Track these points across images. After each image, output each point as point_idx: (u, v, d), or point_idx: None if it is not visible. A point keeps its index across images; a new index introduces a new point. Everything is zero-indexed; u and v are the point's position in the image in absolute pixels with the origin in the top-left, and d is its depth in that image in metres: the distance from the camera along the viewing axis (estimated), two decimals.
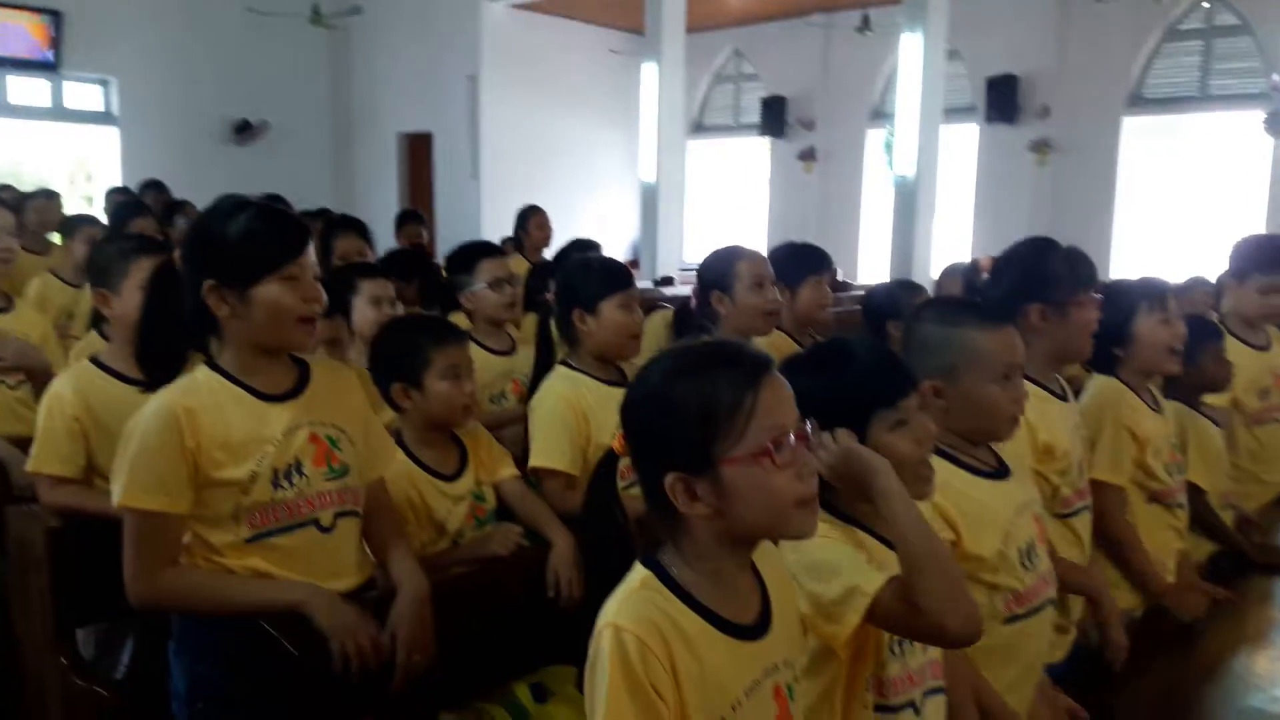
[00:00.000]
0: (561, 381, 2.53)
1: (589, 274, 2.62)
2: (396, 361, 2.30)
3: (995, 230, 11.45)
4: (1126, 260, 10.84)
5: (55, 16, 11.04)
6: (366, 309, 3.00)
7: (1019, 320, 2.19)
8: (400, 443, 2.32)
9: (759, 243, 13.87)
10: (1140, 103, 10.95)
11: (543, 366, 2.83)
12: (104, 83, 11.96)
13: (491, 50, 12.31)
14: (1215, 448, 2.87)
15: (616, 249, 13.58)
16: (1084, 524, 2.22)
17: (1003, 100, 11.37)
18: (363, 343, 2.92)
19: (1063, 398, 2.27)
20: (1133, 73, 10.87)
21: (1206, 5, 10.29)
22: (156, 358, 1.94)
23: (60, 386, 2.37)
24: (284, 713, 1.75)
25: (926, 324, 1.89)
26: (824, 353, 1.64)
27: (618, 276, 2.60)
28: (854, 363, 1.57)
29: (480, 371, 2.99)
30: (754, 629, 1.26)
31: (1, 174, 14.97)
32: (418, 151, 13.37)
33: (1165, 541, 2.51)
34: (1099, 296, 2.22)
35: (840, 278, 11.85)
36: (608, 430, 2.39)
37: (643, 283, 9.34)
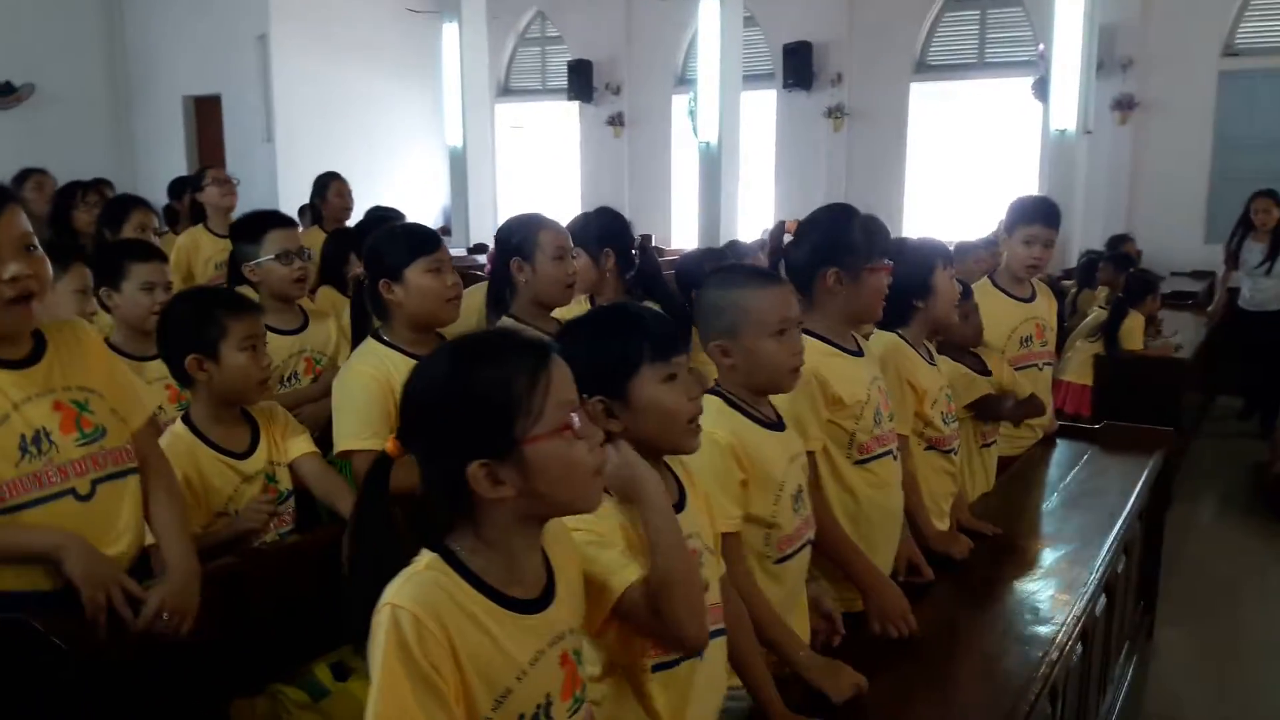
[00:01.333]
0: (367, 358, 2.42)
1: (393, 241, 2.55)
2: (191, 332, 2.20)
3: (796, 195, 11.87)
4: (917, 220, 11.46)
5: None
6: (139, 295, 2.77)
7: (815, 283, 2.30)
8: (186, 419, 2.22)
9: (572, 207, 13.89)
10: (925, 69, 11.54)
11: (359, 334, 2.72)
12: None
13: (281, 8, 11.74)
14: (975, 389, 3.10)
15: (426, 215, 13.28)
16: (885, 467, 2.34)
17: (799, 67, 11.72)
18: (127, 327, 2.75)
19: (857, 354, 2.38)
20: (918, 41, 11.44)
21: None
22: None
23: None
24: (59, 711, 1.64)
25: (710, 289, 1.99)
26: (598, 315, 1.73)
27: (423, 240, 2.52)
28: (625, 321, 1.62)
29: (269, 353, 2.89)
30: (538, 602, 1.29)
31: None
32: (206, 115, 12.65)
33: (941, 485, 2.71)
34: (889, 263, 2.33)
35: (653, 243, 12.05)
36: None
37: (456, 250, 9.19)
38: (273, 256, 3.01)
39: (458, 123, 10.26)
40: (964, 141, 11.51)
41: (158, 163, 12.45)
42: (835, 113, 11.76)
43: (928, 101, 11.57)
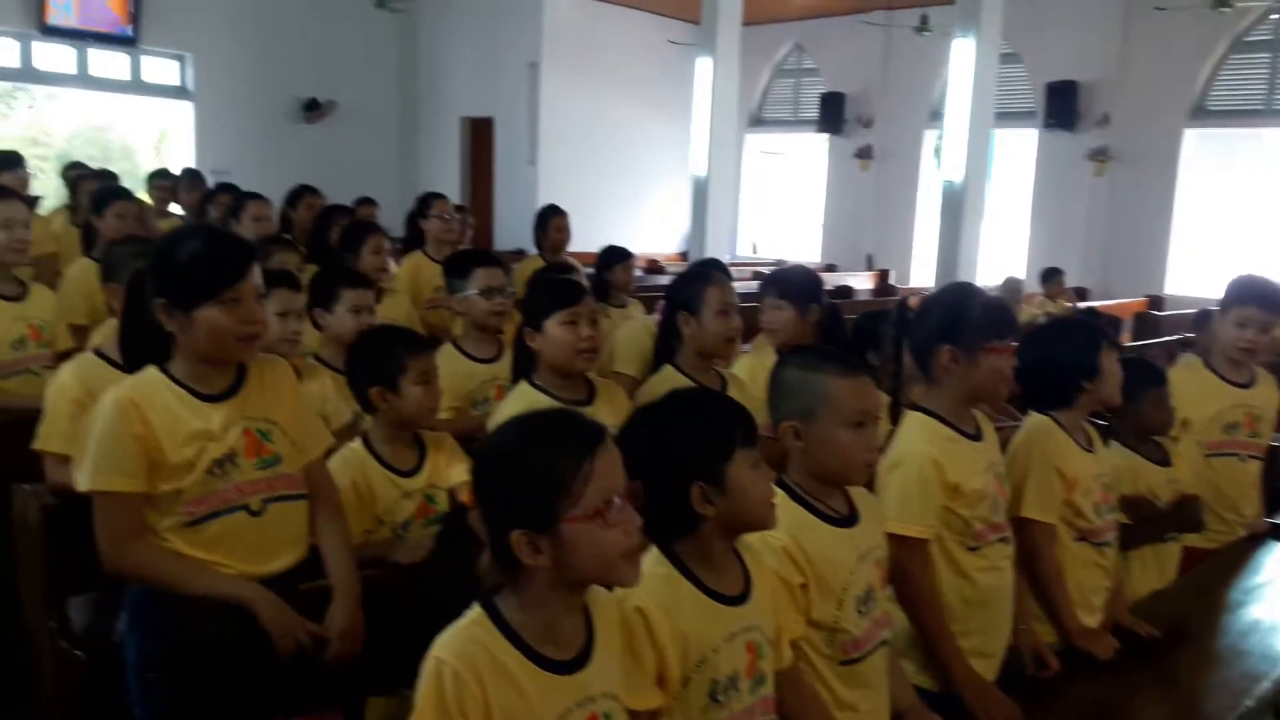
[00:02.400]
0: (516, 401, 2.66)
1: (538, 291, 2.79)
2: (375, 367, 2.50)
3: (1052, 238, 11.37)
4: (1181, 274, 10.67)
5: None
6: (347, 317, 3.17)
7: (932, 360, 2.30)
8: (364, 438, 2.53)
9: (814, 237, 13.91)
10: (1203, 114, 10.73)
11: (520, 374, 2.96)
12: (180, 58, 12.42)
13: (553, 37, 12.51)
14: (1139, 482, 2.93)
15: (670, 240, 13.73)
16: (997, 551, 2.31)
17: (1062, 107, 11.23)
18: (335, 344, 3.13)
19: (975, 438, 2.35)
20: (1196, 84, 10.66)
21: (1277, 16, 10.03)
22: (136, 352, 2.16)
23: (64, 374, 2.61)
24: (222, 694, 1.95)
25: (790, 368, 1.98)
26: (685, 399, 1.77)
27: (563, 293, 2.74)
28: (719, 408, 1.72)
29: (463, 378, 3.20)
30: (571, 664, 1.41)
31: (85, 140, 15.64)
32: (479, 135, 13.63)
33: (1091, 579, 2.57)
34: (1012, 345, 2.31)
35: (891, 280, 11.88)
36: None
37: None
38: (477, 291, 3.33)
39: (703, 152, 10.53)
40: (1242, 193, 10.60)
41: (435, 178, 13.52)
42: (1099, 155, 11.17)
43: (1203, 147, 10.74)
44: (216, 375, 2.09)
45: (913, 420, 2.29)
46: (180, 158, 12.69)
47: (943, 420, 2.25)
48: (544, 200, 12.11)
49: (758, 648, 1.67)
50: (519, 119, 12.91)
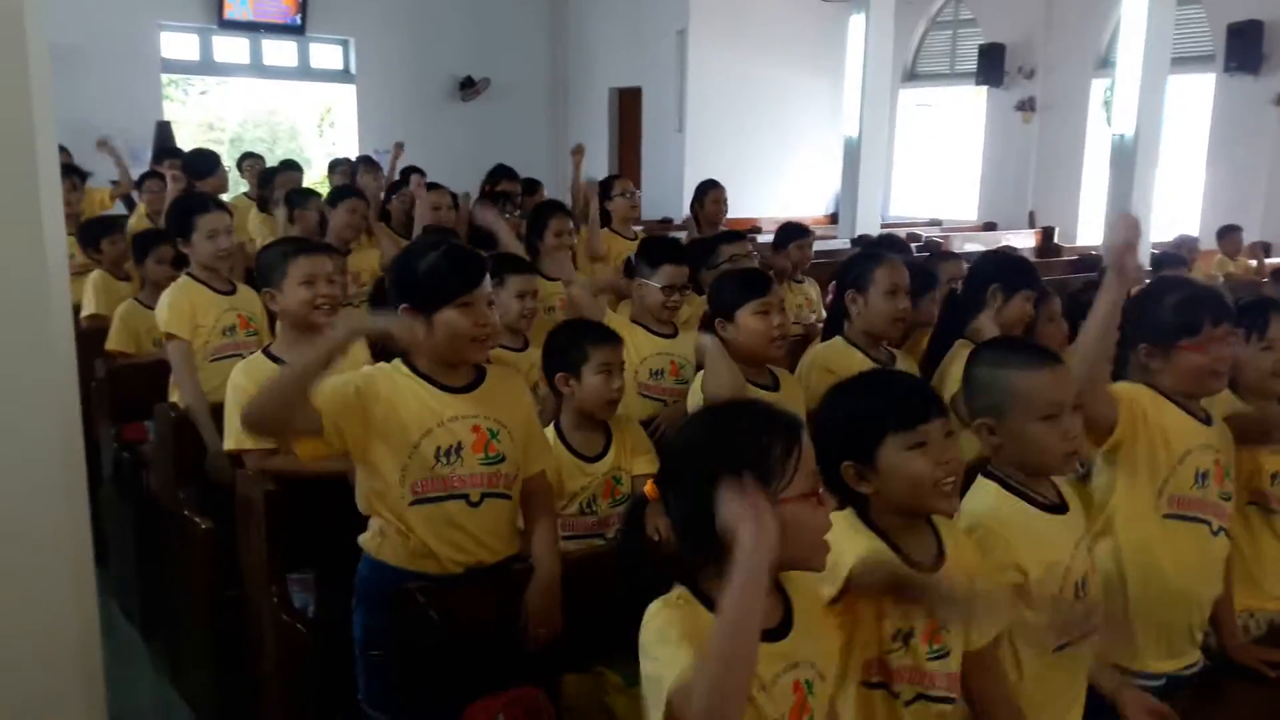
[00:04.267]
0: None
1: (730, 281, 2.89)
2: (561, 355, 2.67)
3: (1230, 190, 10.67)
4: None
5: None
6: (513, 302, 3.29)
7: (1133, 353, 2.30)
8: (556, 425, 2.69)
9: (970, 198, 13.47)
10: None
11: None
12: (344, 43, 12.95)
13: (701, 3, 12.44)
14: None
15: (817, 204, 13.54)
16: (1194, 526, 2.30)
17: (1245, 49, 10.46)
18: (508, 332, 3.26)
19: (1205, 421, 2.35)
20: None
21: None
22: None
23: (237, 376, 2.83)
24: (437, 671, 2.12)
25: (979, 365, 2.01)
26: (852, 381, 1.83)
27: (755, 284, 2.83)
28: (873, 389, 1.78)
29: (641, 351, 3.38)
30: (774, 632, 1.49)
31: (255, 124, 16.53)
32: (628, 106, 13.73)
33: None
34: (1217, 335, 2.26)
35: (1056, 239, 11.41)
36: None
37: (840, 242, 9.34)
38: (660, 285, 3.42)
39: (855, 112, 10.33)
40: None
41: (588, 150, 13.74)
42: None
43: None
44: (454, 374, 2.29)
45: None
46: (343, 138, 13.31)
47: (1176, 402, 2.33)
48: (692, 168, 12.33)
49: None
50: (667, 87, 12.93)
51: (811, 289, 5.05)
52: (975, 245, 10.22)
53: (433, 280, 2.21)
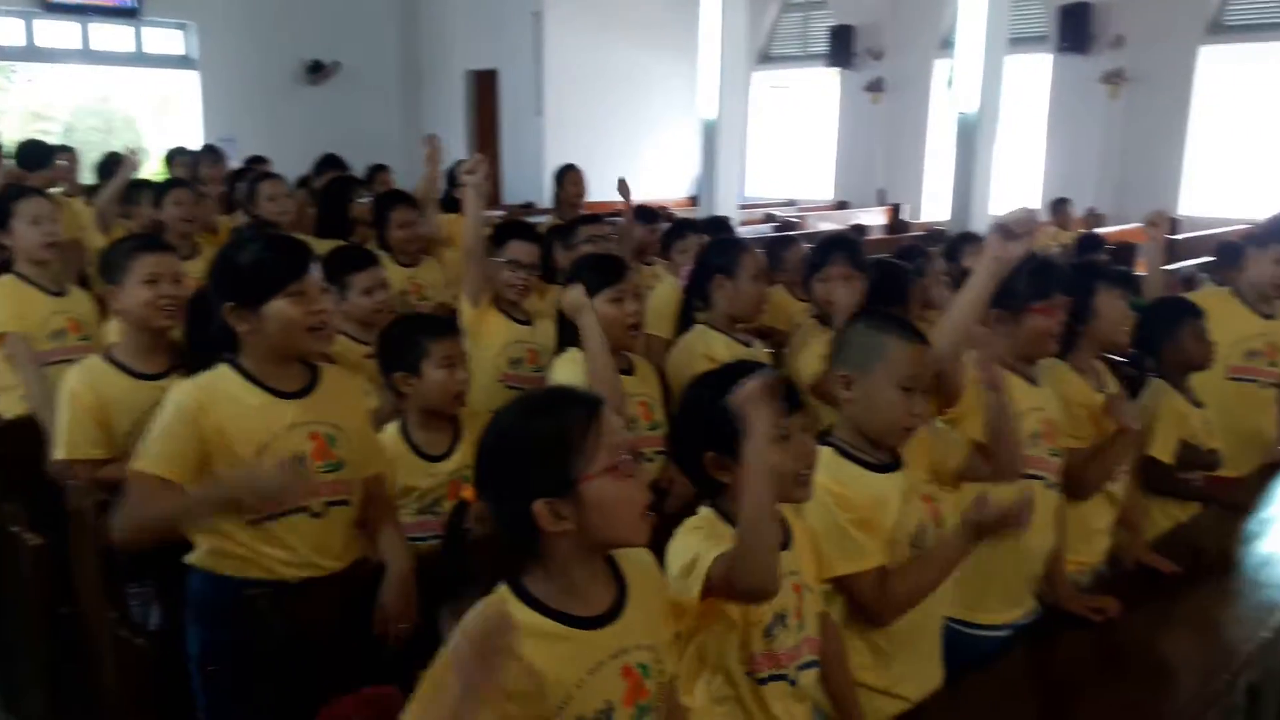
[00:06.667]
0: (568, 366, 2.83)
1: (583, 269, 2.91)
2: (398, 352, 2.57)
3: (1066, 167, 11.25)
4: (1196, 197, 10.57)
5: None
6: (360, 299, 3.16)
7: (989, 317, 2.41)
8: (402, 426, 2.60)
9: (825, 178, 13.82)
10: (1219, 30, 10.53)
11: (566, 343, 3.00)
12: (183, 27, 12.37)
13: None
14: (1184, 427, 2.98)
15: (677, 187, 13.66)
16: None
17: (1076, 29, 11.04)
18: (356, 326, 3.16)
19: (1033, 382, 2.49)
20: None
21: None
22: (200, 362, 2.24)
23: (73, 383, 2.63)
24: (280, 680, 2.05)
25: (861, 323, 2.12)
26: (715, 375, 1.86)
27: (609, 271, 2.85)
28: (741, 379, 1.77)
29: (500, 338, 3.33)
30: (601, 619, 1.48)
31: (88, 113, 15.62)
32: (484, 89, 13.56)
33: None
34: (1059, 303, 2.39)
35: (903, 216, 11.81)
36: None
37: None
38: (505, 260, 3.38)
39: (712, 94, 10.43)
40: (1260, 112, 10.44)
41: (441, 134, 13.41)
42: (1113, 77, 11.01)
43: (1219, 66, 10.57)
44: (288, 375, 2.17)
45: None
46: (184, 126, 12.73)
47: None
48: (552, 151, 12.26)
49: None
50: (524, 70, 12.82)
51: (662, 271, 5.09)
52: (829, 224, 10.51)
53: (257, 271, 2.10)
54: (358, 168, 6.92)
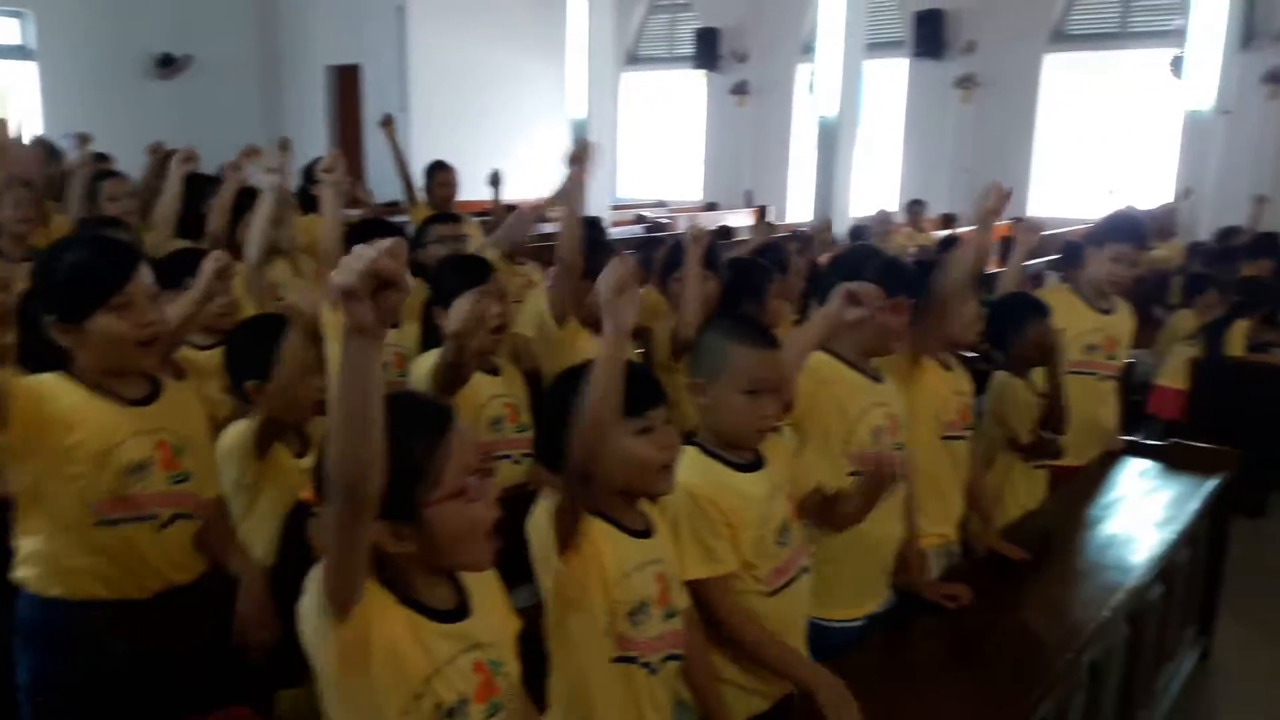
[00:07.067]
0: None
1: (446, 270, 2.83)
2: (249, 358, 2.41)
3: (922, 168, 11.67)
4: (1044, 196, 11.10)
5: None
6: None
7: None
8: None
9: (694, 178, 13.98)
10: (1062, 39, 11.10)
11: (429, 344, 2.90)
12: (19, 15, 11.65)
13: None
14: (1031, 416, 3.13)
15: (551, 185, 13.58)
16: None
17: (930, 35, 11.47)
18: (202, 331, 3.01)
19: (876, 379, 2.52)
20: (1055, 7, 11.00)
21: None
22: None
23: None
24: (122, 706, 1.94)
25: (712, 330, 2.13)
26: (575, 371, 1.80)
27: (473, 272, 2.78)
28: None
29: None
30: (451, 614, 1.43)
31: None
32: (346, 85, 13.22)
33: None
34: (909, 302, 2.44)
35: (769, 218, 12.03)
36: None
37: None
38: None
39: (581, 95, 10.44)
40: (1099, 116, 11.05)
41: (302, 130, 13.08)
42: (965, 82, 11.47)
43: (1062, 72, 11.14)
44: (129, 384, 2.04)
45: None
46: (22, 122, 11.97)
47: (849, 363, 2.47)
48: (418, 148, 11.99)
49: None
50: (388, 66, 12.55)
51: (534, 272, 5.05)
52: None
53: (76, 282, 1.93)
54: (213, 165, 6.63)
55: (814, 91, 10.34)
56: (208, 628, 2.08)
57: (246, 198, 4.37)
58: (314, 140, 12.07)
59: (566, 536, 1.68)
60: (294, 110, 13.42)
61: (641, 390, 1.76)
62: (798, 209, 12.29)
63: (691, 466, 1.96)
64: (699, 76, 13.74)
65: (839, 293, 2.20)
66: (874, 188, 11.36)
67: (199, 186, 4.94)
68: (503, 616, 1.57)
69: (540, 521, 1.70)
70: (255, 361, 2.38)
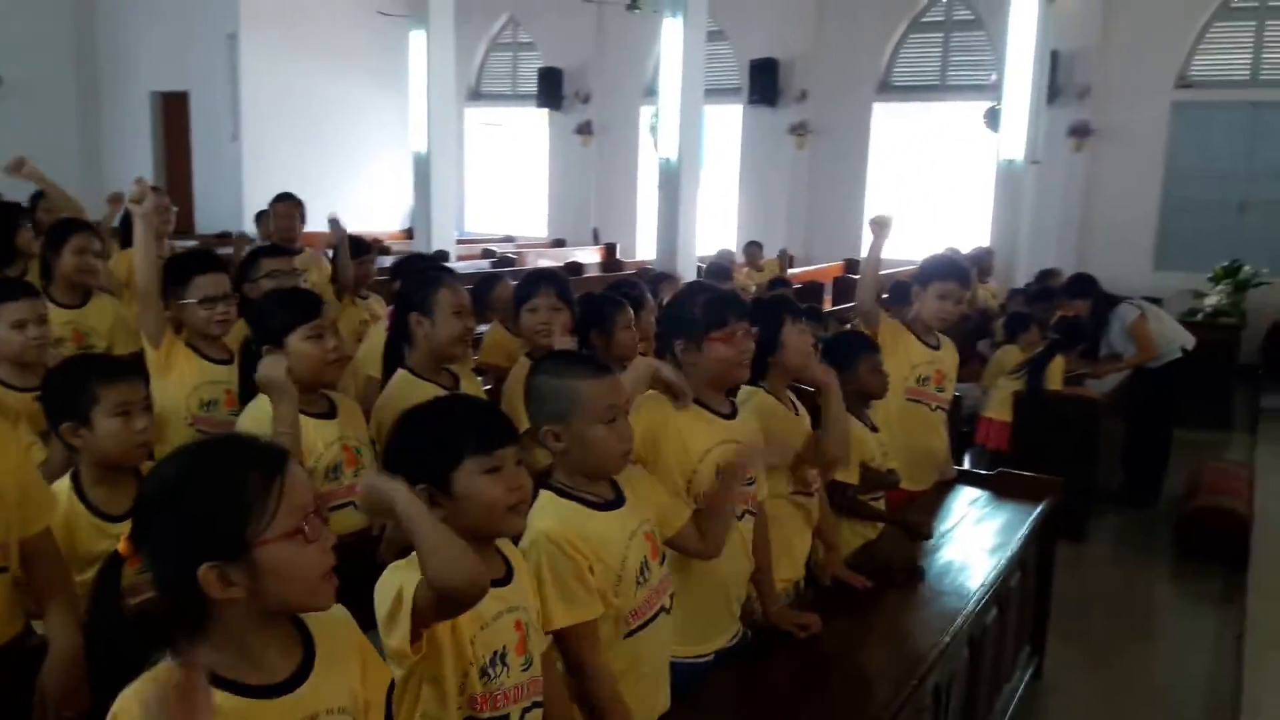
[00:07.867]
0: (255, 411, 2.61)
1: (275, 306, 2.73)
2: (65, 401, 2.27)
3: (759, 209, 12.03)
4: None
5: None
6: (11, 334, 2.81)
7: (675, 350, 2.46)
8: (74, 477, 2.29)
9: (540, 215, 13.98)
10: (888, 89, 11.69)
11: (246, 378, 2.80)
12: None
13: (251, 7, 11.78)
14: (865, 450, 3.21)
15: (391, 219, 13.34)
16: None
17: (765, 83, 11.87)
18: (8, 363, 2.83)
19: (729, 416, 2.52)
20: (882, 60, 11.59)
21: None
22: None
23: None
24: None
25: (542, 375, 2.06)
26: (428, 407, 1.79)
27: (304, 308, 2.69)
28: (450, 415, 1.75)
29: (191, 379, 3.06)
30: (287, 684, 1.34)
31: None
32: (173, 112, 12.66)
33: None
34: (738, 329, 2.46)
35: (618, 255, 12.14)
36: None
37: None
38: (197, 301, 3.08)
39: (423, 128, 10.29)
40: (923, 163, 11.68)
41: (125, 158, 12.46)
42: (799, 129, 11.91)
43: (890, 121, 11.73)
44: None
45: None
46: None
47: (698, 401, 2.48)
48: (250, 178, 11.62)
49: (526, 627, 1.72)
50: (218, 93, 12.09)
51: (377, 305, 4.91)
52: (547, 260, 10.61)
53: None
54: (23, 194, 6.18)
55: (655, 134, 10.50)
56: (16, 692, 1.89)
57: (69, 224, 4.11)
58: (139, 168, 11.38)
59: (419, 631, 1.59)
60: (117, 136, 12.75)
61: (491, 429, 1.72)
62: (644, 247, 12.44)
63: (548, 510, 1.92)
64: (542, 115, 13.78)
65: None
66: (715, 228, 11.61)
67: (7, 215, 4.61)
68: (358, 670, 1.46)
69: (387, 592, 1.60)
70: (75, 403, 2.23)
